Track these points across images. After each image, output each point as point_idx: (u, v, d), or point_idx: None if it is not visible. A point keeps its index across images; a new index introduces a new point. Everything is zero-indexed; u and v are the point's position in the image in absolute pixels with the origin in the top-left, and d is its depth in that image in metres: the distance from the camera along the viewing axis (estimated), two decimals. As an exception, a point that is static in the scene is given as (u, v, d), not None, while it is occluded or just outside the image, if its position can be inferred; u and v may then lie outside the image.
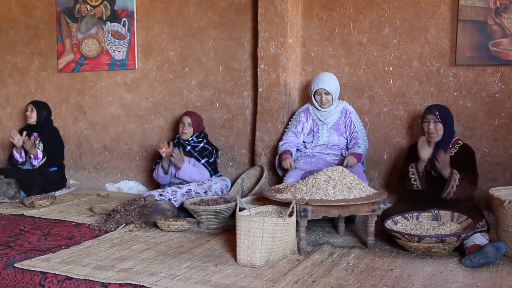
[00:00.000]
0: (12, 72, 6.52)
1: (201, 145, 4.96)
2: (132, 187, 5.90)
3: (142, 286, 2.83)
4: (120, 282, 2.87)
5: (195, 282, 2.89)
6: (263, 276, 3.00)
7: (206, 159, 4.90)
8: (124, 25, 5.77)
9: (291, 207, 3.34)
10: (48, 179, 5.57)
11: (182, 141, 4.98)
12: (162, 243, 3.71)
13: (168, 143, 4.76)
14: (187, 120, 4.96)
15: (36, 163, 5.59)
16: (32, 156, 5.57)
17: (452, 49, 4.39)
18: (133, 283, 2.86)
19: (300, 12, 4.91)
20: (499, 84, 4.27)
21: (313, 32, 4.91)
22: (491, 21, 4.21)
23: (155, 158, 5.19)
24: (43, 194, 5.36)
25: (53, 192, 5.57)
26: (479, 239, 3.35)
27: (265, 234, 3.17)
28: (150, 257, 3.37)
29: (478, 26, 4.25)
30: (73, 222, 4.37)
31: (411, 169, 3.89)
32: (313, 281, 2.90)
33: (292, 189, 3.63)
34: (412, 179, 3.87)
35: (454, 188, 3.62)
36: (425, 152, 3.80)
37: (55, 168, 5.76)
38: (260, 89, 4.90)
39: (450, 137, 3.96)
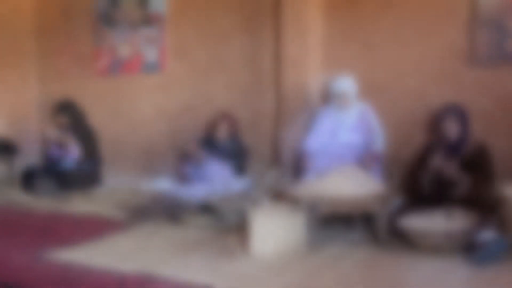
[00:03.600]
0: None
1: (233, 145, 5.11)
2: (163, 184, 6.11)
3: (159, 275, 3.03)
4: (139, 273, 3.08)
5: (209, 273, 3.09)
6: (273, 267, 3.17)
7: (235, 159, 5.04)
8: (156, 29, 6.02)
9: (304, 202, 3.48)
10: (84, 177, 5.84)
11: (213, 141, 5.14)
12: (184, 238, 3.91)
13: (197, 144, 4.95)
14: (224, 122, 5.10)
15: (72, 157, 5.79)
16: (67, 150, 5.76)
17: (470, 49, 4.42)
18: (151, 273, 3.07)
19: (321, 14, 5.03)
20: (516, 83, 4.28)
21: (334, 33, 5.02)
22: (509, 21, 4.23)
23: (183, 156, 5.40)
24: (79, 191, 5.61)
25: (88, 190, 5.83)
26: (488, 235, 3.39)
27: (278, 228, 3.35)
28: (170, 250, 3.58)
29: (495, 26, 4.27)
30: (104, 217, 4.63)
31: (422, 176, 3.95)
32: (320, 274, 3.05)
33: (307, 186, 3.77)
34: (423, 185, 3.93)
35: (463, 190, 3.69)
36: (442, 163, 3.87)
37: (91, 167, 6.02)
38: (283, 90, 5.05)
39: (465, 137, 3.99)
